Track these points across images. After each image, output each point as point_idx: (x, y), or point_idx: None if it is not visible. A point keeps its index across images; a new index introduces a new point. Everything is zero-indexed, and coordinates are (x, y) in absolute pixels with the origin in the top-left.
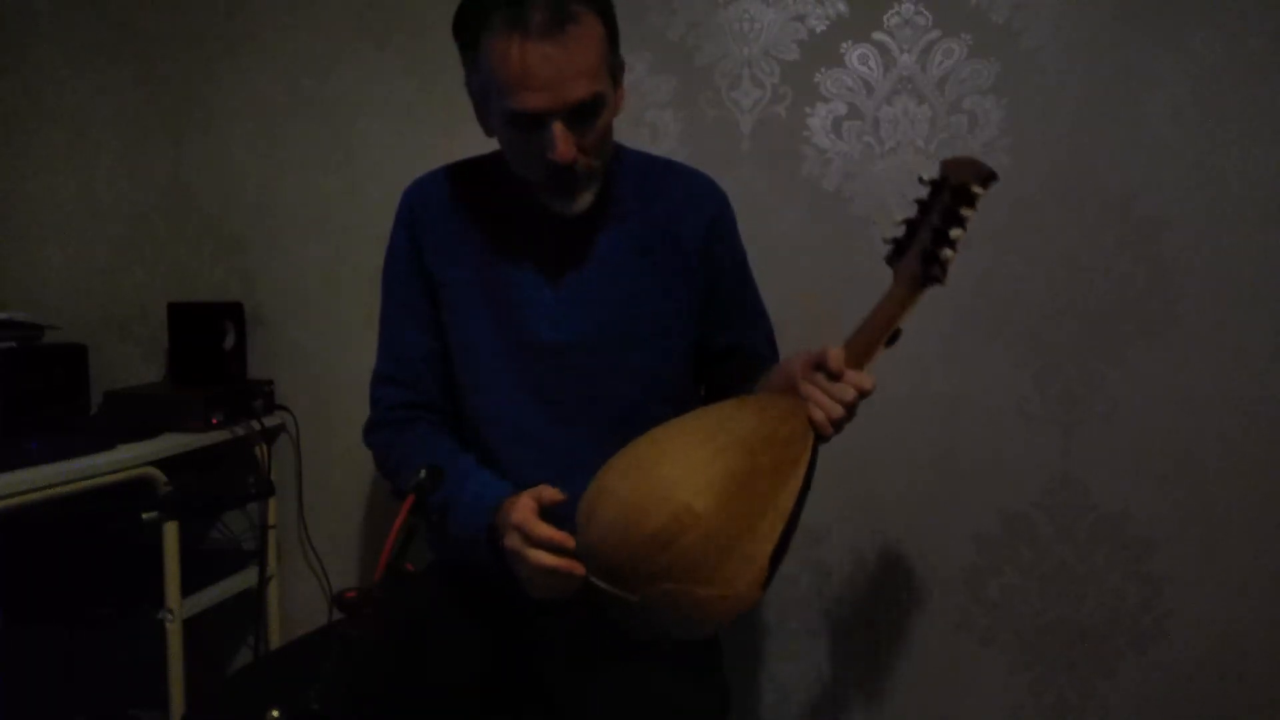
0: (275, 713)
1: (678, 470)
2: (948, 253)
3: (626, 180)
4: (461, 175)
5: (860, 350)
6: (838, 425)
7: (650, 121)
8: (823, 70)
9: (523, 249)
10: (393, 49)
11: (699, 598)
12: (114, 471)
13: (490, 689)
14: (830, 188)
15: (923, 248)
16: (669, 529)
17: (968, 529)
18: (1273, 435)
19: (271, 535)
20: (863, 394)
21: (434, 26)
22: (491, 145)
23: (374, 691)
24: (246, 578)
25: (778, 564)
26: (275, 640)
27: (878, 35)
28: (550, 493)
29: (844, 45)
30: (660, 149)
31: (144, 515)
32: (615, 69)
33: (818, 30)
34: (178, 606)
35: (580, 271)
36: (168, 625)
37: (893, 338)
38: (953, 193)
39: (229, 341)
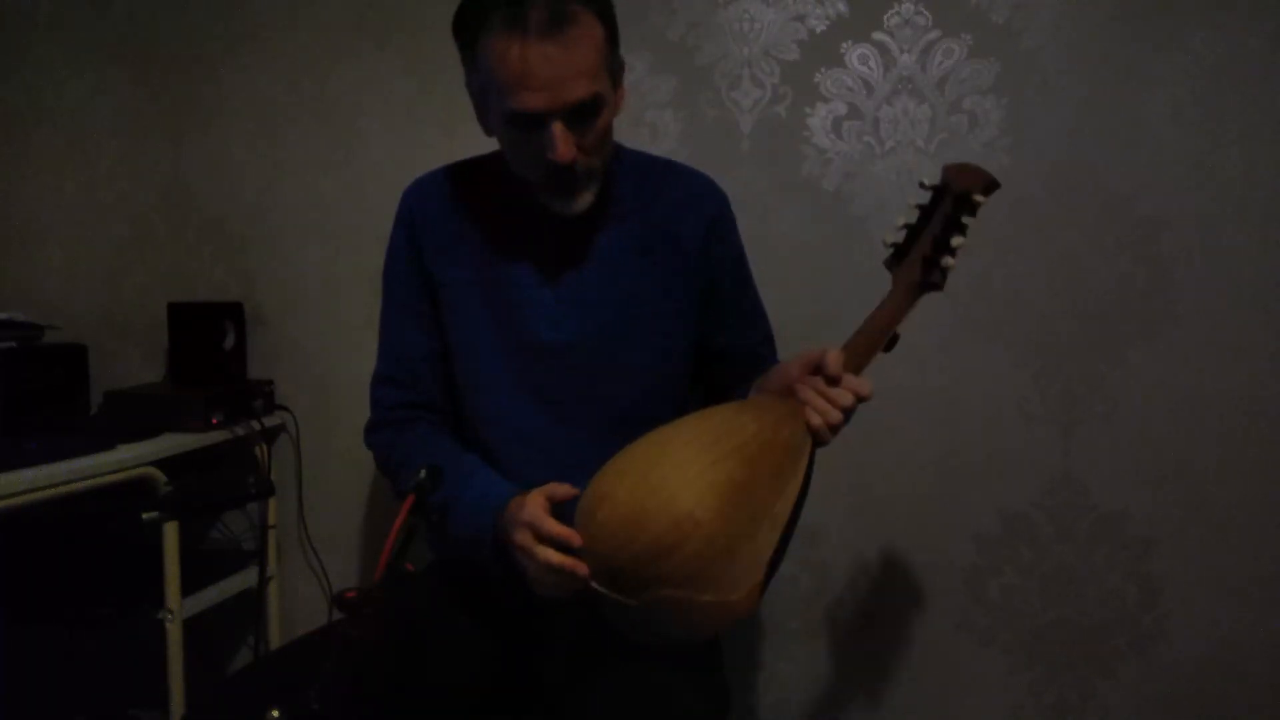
0: (275, 713)
1: (679, 477)
2: (949, 260)
3: (626, 180)
4: (461, 175)
5: (858, 354)
6: (835, 430)
7: (650, 121)
8: (823, 70)
9: (522, 249)
10: (393, 49)
11: (698, 604)
12: (114, 471)
13: (490, 689)
14: (830, 188)
15: (924, 254)
16: (670, 536)
17: (968, 529)
18: (1272, 435)
19: (271, 535)
20: (861, 399)
21: (434, 26)
22: (491, 145)
23: (374, 691)
24: (246, 578)
25: (775, 569)
26: (275, 640)
27: (878, 35)
28: (563, 490)
29: (844, 45)
30: (660, 149)
31: (144, 515)
32: (615, 69)
33: (818, 30)
34: (178, 606)
35: (580, 271)
36: (168, 625)
37: (890, 342)
38: (955, 200)
39: (229, 341)
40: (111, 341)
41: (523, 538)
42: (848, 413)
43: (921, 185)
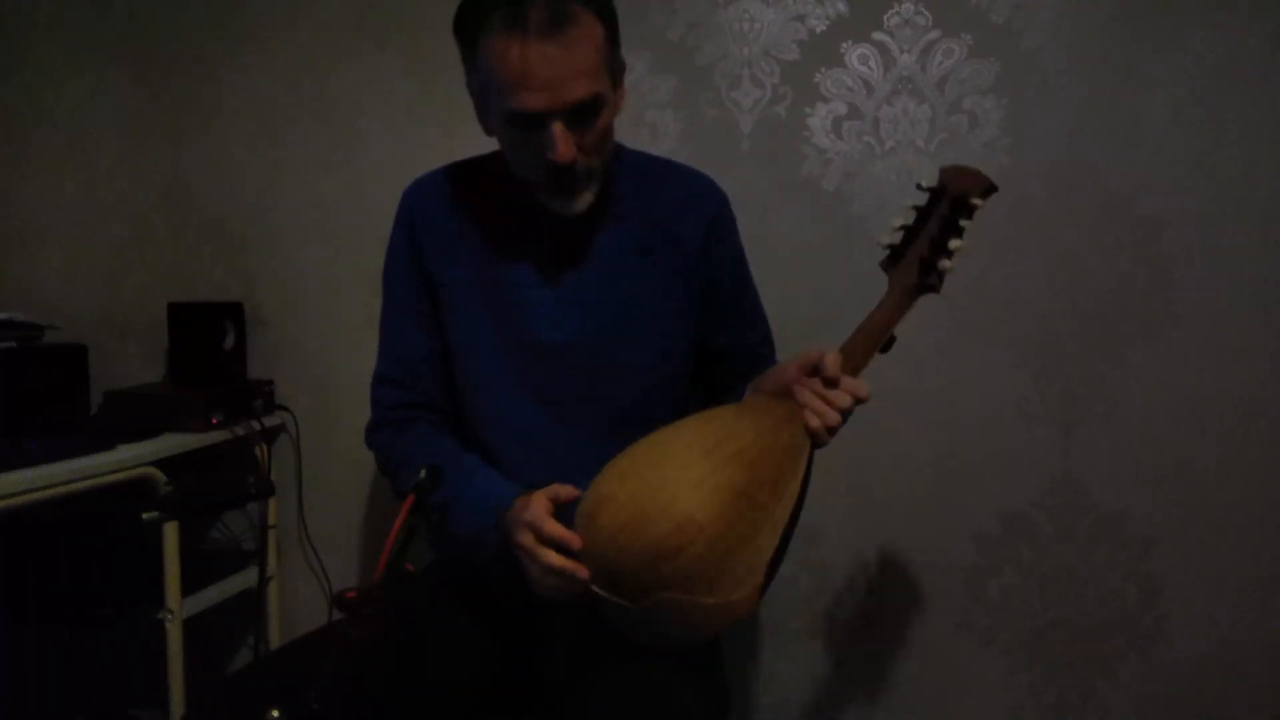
0: (275, 713)
1: (680, 481)
2: (946, 264)
3: (626, 180)
4: (461, 175)
5: (855, 356)
6: (833, 432)
7: (650, 121)
8: (823, 70)
9: (522, 249)
10: (393, 49)
11: (699, 606)
12: (114, 471)
13: (490, 689)
14: (830, 188)
15: (921, 257)
16: (672, 540)
17: (968, 529)
18: (1272, 435)
19: (271, 535)
20: (859, 401)
21: (434, 26)
22: (491, 145)
23: (374, 691)
24: (246, 578)
25: (776, 570)
26: (275, 640)
27: (878, 35)
28: (565, 491)
29: (844, 45)
30: (660, 149)
31: (144, 515)
32: (616, 69)
33: (818, 30)
34: (178, 606)
35: (580, 271)
36: (168, 625)
37: (887, 344)
38: (952, 203)
39: (229, 341)
40: (111, 341)
41: (525, 539)
42: (845, 414)
43: (919, 187)
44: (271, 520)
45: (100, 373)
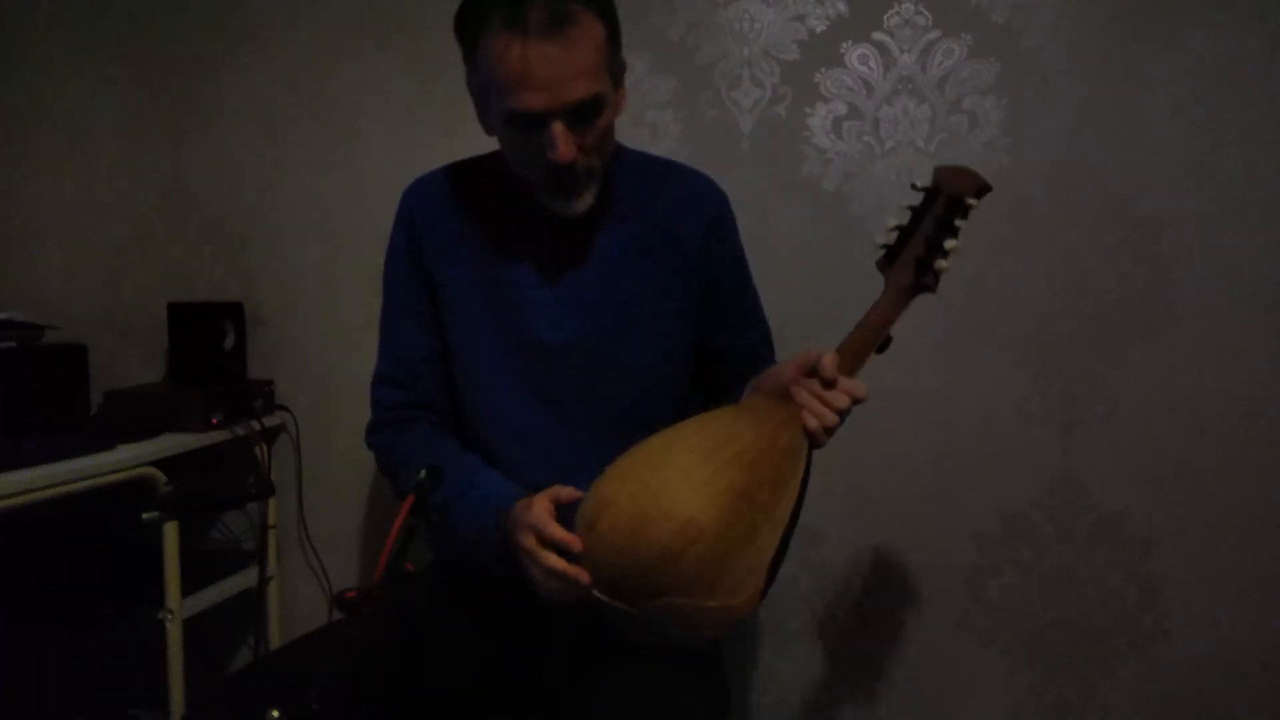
0: (275, 713)
1: (680, 485)
2: (942, 264)
3: (626, 180)
4: (461, 175)
5: (852, 356)
6: (830, 433)
7: (650, 121)
8: (823, 70)
9: (522, 249)
10: (393, 49)
11: (700, 609)
12: (114, 471)
13: (490, 689)
14: (830, 188)
15: (916, 256)
16: (673, 544)
17: (967, 529)
18: (1272, 435)
19: (271, 535)
20: (856, 401)
21: (434, 26)
22: (491, 145)
23: (374, 691)
24: (246, 578)
25: (777, 571)
26: (275, 640)
27: (878, 35)
28: (567, 492)
29: (844, 45)
30: (660, 149)
31: (144, 515)
32: (616, 69)
33: (818, 30)
34: (178, 606)
35: (580, 271)
36: (168, 625)
37: (884, 344)
38: (947, 202)
39: (229, 341)
40: (111, 341)
41: (527, 541)
42: (843, 415)
43: (913, 187)
44: (271, 520)
45: (100, 373)
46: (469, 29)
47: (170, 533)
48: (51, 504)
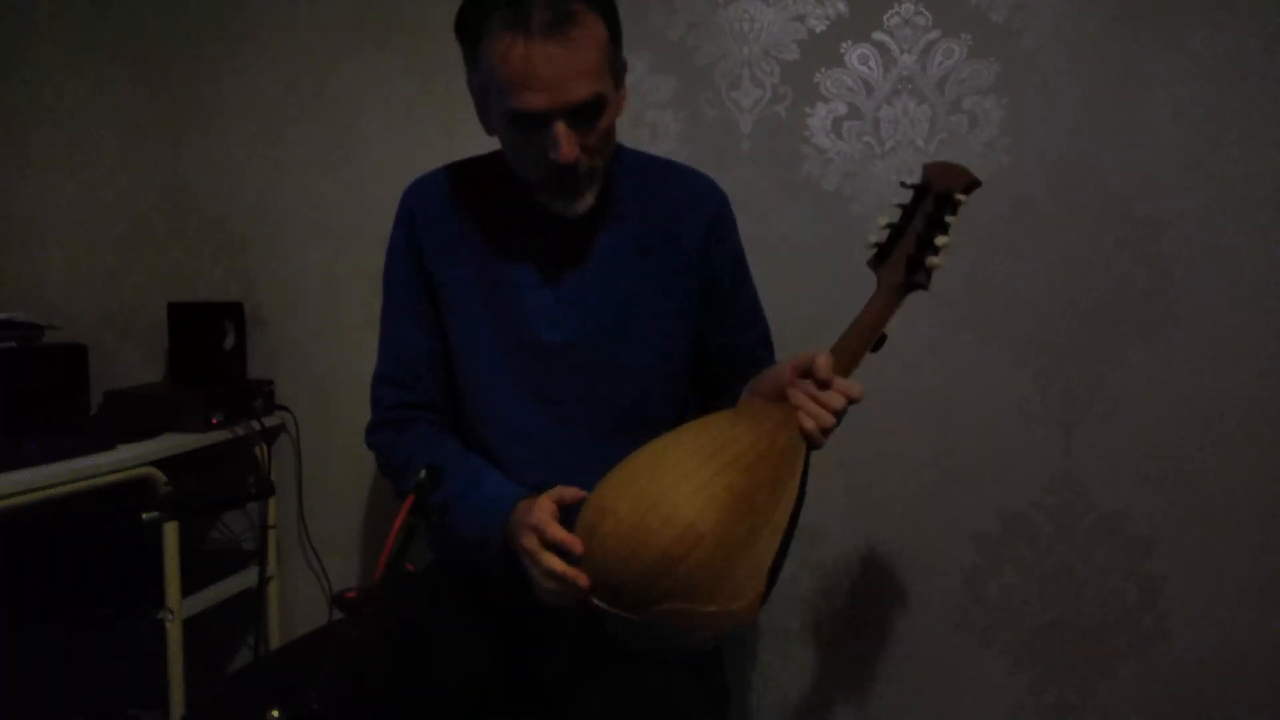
0: (275, 713)
1: (679, 490)
2: (934, 260)
3: (626, 180)
4: (461, 175)
5: (847, 356)
6: (827, 433)
7: (650, 121)
8: (823, 70)
9: (522, 249)
10: (393, 49)
11: (701, 614)
12: (114, 471)
13: (490, 689)
14: (830, 188)
15: (908, 254)
16: (674, 550)
17: (967, 529)
18: (1272, 435)
19: (271, 535)
20: (851, 401)
21: (434, 26)
22: (492, 145)
23: (374, 691)
24: (246, 578)
25: (777, 574)
26: (275, 640)
27: (878, 35)
28: (571, 493)
29: (844, 45)
30: (660, 149)
31: (144, 515)
32: (618, 69)
33: (818, 30)
34: (178, 606)
35: (580, 271)
36: (168, 625)
37: (878, 343)
38: (936, 199)
39: (229, 341)
40: (111, 341)
41: (529, 541)
42: (839, 415)
43: (903, 184)
44: (271, 520)
45: (100, 373)
46: (470, 28)
47: (170, 533)
48: (51, 504)
